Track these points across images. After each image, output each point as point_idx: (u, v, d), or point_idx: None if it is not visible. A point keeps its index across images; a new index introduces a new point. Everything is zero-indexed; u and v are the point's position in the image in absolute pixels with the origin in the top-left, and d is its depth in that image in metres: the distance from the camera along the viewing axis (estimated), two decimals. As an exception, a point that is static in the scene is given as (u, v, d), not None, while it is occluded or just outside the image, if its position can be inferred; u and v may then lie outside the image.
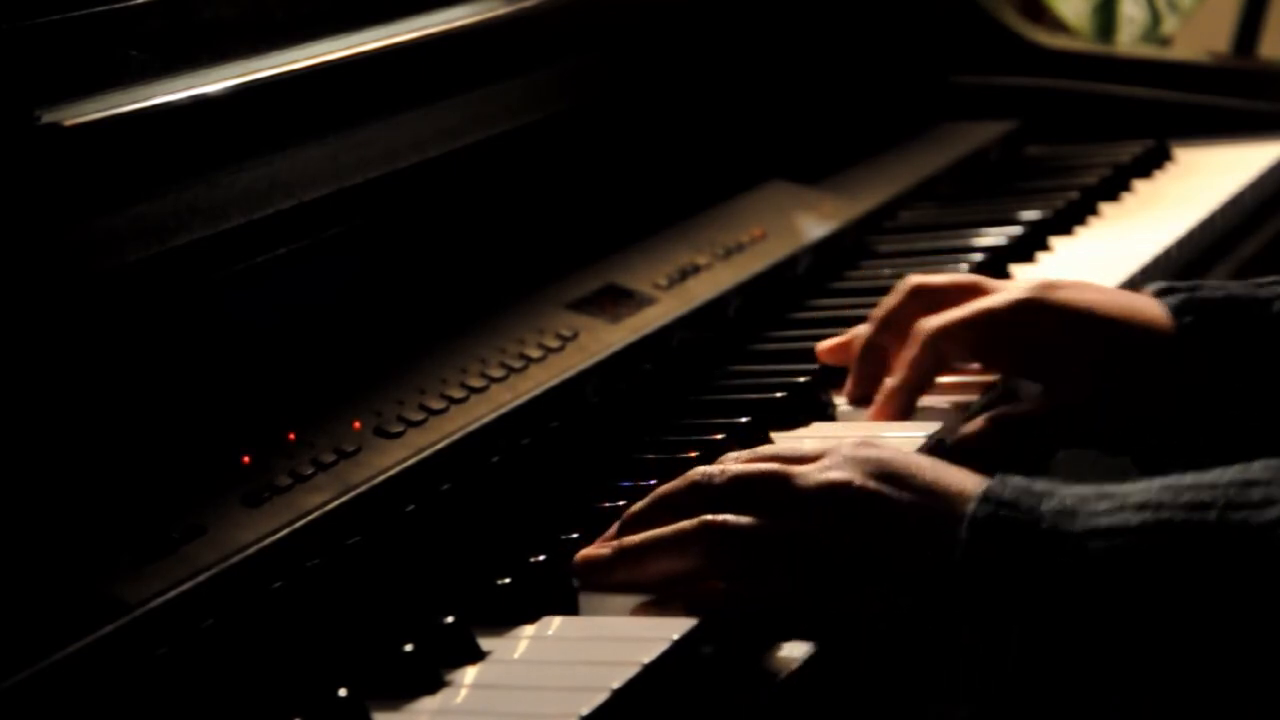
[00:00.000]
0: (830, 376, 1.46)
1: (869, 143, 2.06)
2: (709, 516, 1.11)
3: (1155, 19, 2.90)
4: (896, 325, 1.43)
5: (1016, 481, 1.10)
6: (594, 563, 1.14)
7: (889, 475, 1.11)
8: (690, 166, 1.82)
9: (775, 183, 1.87)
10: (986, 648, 1.07)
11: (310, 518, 1.17)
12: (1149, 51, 2.64)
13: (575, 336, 1.46)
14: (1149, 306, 1.38)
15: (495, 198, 1.58)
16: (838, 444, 1.14)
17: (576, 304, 1.52)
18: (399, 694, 1.02)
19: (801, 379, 1.43)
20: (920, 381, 1.40)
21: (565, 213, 1.65)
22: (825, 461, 1.13)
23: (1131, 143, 2.08)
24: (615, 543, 1.14)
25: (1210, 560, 1.04)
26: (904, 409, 1.40)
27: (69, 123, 1.19)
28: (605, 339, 1.47)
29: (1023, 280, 1.45)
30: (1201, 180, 1.99)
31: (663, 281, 1.59)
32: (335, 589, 1.16)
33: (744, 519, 1.11)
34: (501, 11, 1.57)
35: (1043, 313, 1.38)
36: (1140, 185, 2.00)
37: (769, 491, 1.12)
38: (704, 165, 1.84)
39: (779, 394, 1.41)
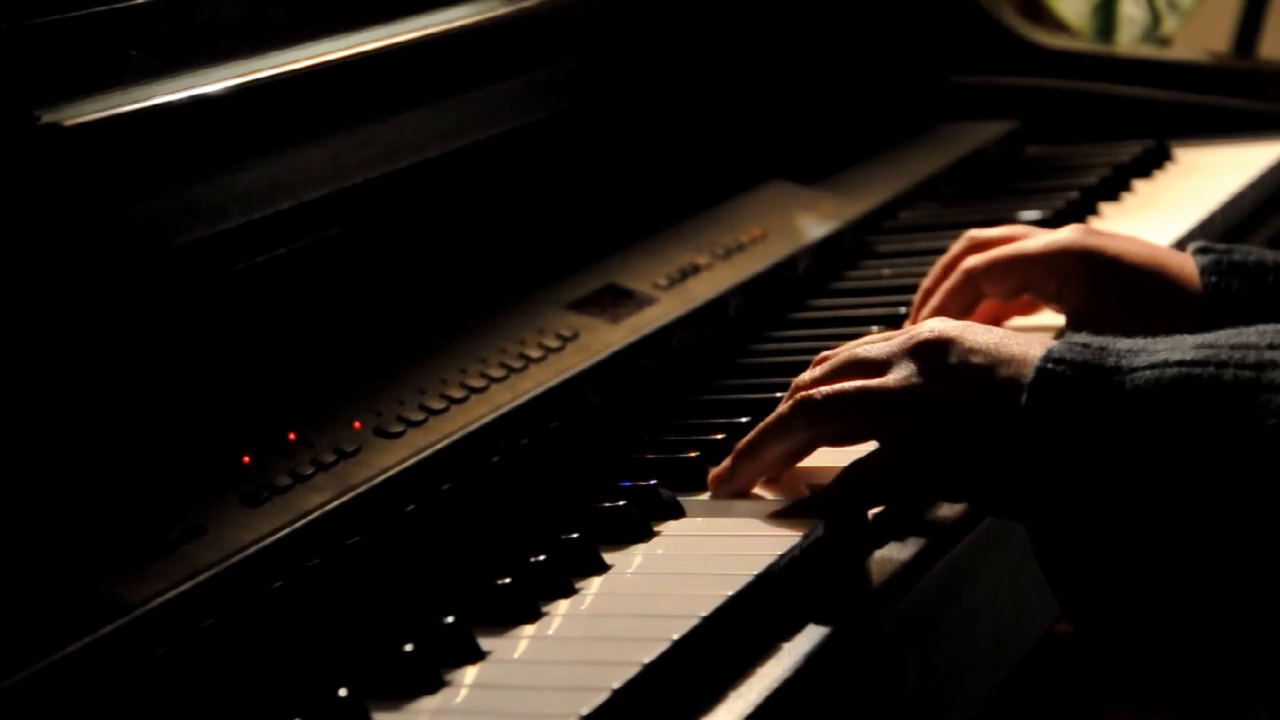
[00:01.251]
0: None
1: (869, 143, 2.06)
2: (805, 392, 1.21)
3: (1155, 19, 2.90)
4: (950, 269, 1.53)
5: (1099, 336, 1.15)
6: (720, 475, 1.25)
7: (968, 327, 1.19)
8: (690, 166, 1.83)
9: (775, 183, 1.87)
10: (1043, 473, 1.11)
11: (310, 518, 1.17)
12: (1149, 51, 2.64)
13: (575, 336, 1.46)
14: (1183, 263, 1.45)
15: (495, 198, 1.58)
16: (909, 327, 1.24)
17: (576, 304, 1.52)
18: (399, 694, 1.02)
19: (801, 379, 1.43)
20: (955, 311, 1.50)
21: (565, 213, 1.65)
22: (908, 331, 1.21)
23: (1131, 143, 2.08)
24: (741, 444, 1.25)
25: (1235, 396, 1.08)
26: None
27: (69, 123, 1.19)
28: (605, 339, 1.47)
29: (1067, 228, 1.52)
30: (1201, 180, 1.99)
31: (663, 281, 1.59)
32: (335, 589, 1.16)
33: (840, 383, 1.20)
34: (501, 11, 1.57)
35: (1077, 257, 1.47)
36: (1140, 185, 2.00)
37: (861, 363, 1.21)
38: (704, 165, 1.84)
39: (779, 394, 1.41)
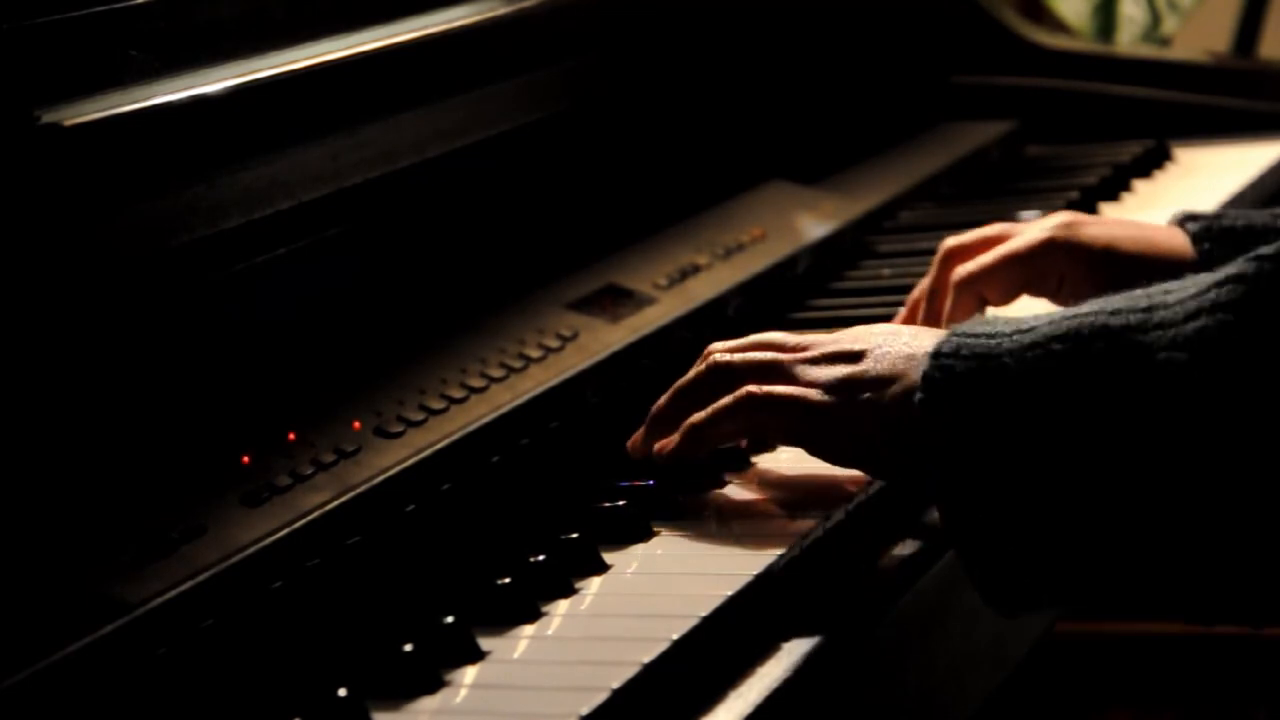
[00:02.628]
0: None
1: (869, 143, 2.06)
2: (750, 389, 1.22)
3: (1155, 19, 2.90)
4: (938, 287, 1.53)
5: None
6: (638, 439, 1.27)
7: (888, 327, 1.22)
8: (690, 166, 1.83)
9: (775, 183, 1.87)
10: (942, 454, 1.12)
11: (310, 518, 1.17)
12: (1149, 51, 2.65)
13: (575, 336, 1.46)
14: (1172, 237, 1.46)
15: (495, 198, 1.58)
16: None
17: (576, 304, 1.52)
18: (399, 694, 1.02)
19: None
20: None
21: (565, 213, 1.65)
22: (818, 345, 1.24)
23: (1131, 143, 2.08)
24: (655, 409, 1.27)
25: (1113, 361, 1.09)
26: None
27: (69, 123, 1.19)
28: (605, 339, 1.47)
29: (1047, 220, 1.52)
30: (1201, 180, 1.99)
31: (663, 281, 1.59)
32: (335, 589, 1.16)
33: (756, 352, 1.24)
34: (501, 11, 1.57)
35: (1065, 250, 1.47)
36: (1140, 185, 2.00)
37: (777, 342, 1.25)
38: (704, 165, 1.84)
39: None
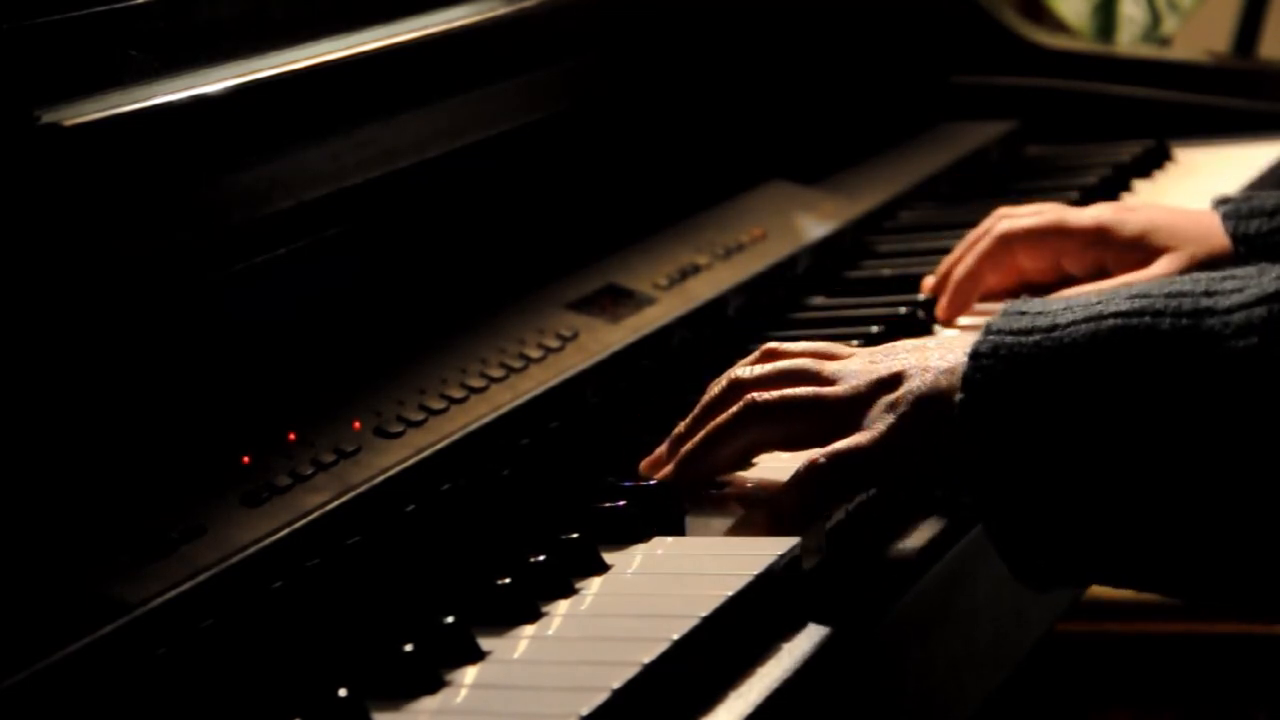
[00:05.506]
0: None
1: (869, 143, 2.06)
2: (754, 395, 1.20)
3: (1155, 19, 2.90)
4: (983, 233, 1.59)
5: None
6: (658, 457, 1.25)
7: (918, 346, 1.19)
8: (690, 166, 1.83)
9: (775, 183, 1.87)
10: (986, 454, 1.12)
11: (310, 518, 1.17)
12: (1149, 51, 2.64)
13: (575, 336, 1.46)
14: (1210, 221, 1.51)
15: (495, 198, 1.58)
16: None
17: (576, 304, 1.52)
18: (399, 694, 1.02)
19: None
20: (984, 273, 1.55)
21: (565, 213, 1.65)
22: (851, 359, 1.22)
23: (1131, 143, 2.08)
24: (687, 444, 1.23)
25: (1173, 344, 1.08)
26: (965, 299, 1.57)
27: (69, 123, 1.19)
28: (605, 339, 1.47)
29: (1101, 205, 1.60)
30: (1201, 180, 1.99)
31: (663, 281, 1.59)
32: (335, 589, 1.16)
33: (789, 389, 1.20)
34: (501, 11, 1.57)
35: (1115, 231, 1.53)
36: (1140, 185, 2.00)
37: (802, 373, 1.21)
38: (704, 165, 1.84)
39: (779, 394, 1.41)
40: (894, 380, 1.18)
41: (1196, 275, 1.12)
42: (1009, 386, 1.11)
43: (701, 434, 1.23)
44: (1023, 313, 1.14)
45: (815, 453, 1.18)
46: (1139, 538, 1.10)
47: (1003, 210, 1.61)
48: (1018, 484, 1.11)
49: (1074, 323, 1.11)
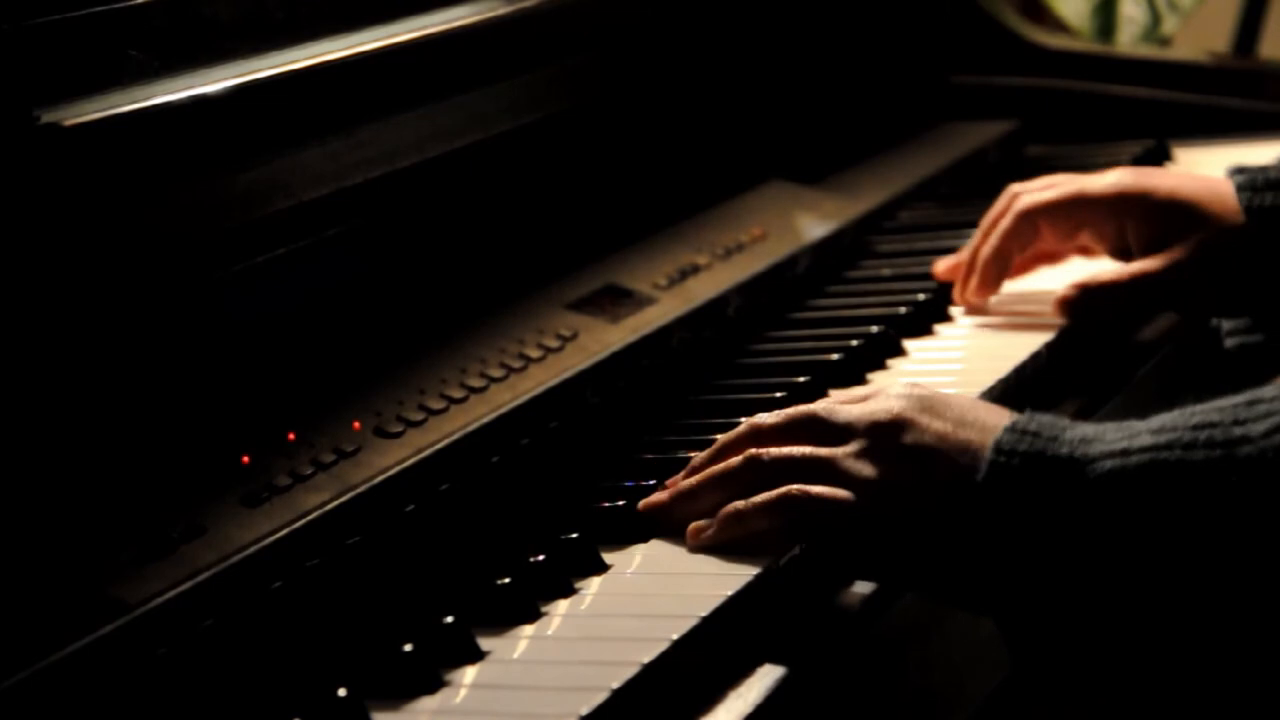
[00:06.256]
0: (829, 374, 1.46)
1: (869, 143, 2.06)
2: (756, 452, 1.18)
3: (1155, 19, 2.90)
4: (1003, 213, 1.59)
5: (1043, 416, 1.14)
6: (661, 505, 1.22)
7: (928, 408, 1.16)
8: (690, 166, 1.83)
9: (775, 183, 1.87)
10: (1005, 566, 1.11)
11: (310, 518, 1.17)
12: (1149, 51, 2.64)
13: (575, 336, 1.46)
14: (1227, 191, 1.52)
15: (495, 198, 1.58)
16: (882, 385, 1.24)
17: (576, 304, 1.52)
18: (399, 694, 1.02)
19: (801, 379, 1.43)
20: (1011, 251, 1.57)
21: (565, 213, 1.65)
22: (871, 400, 1.19)
23: (1131, 143, 2.08)
24: (686, 483, 1.21)
25: (1208, 475, 1.07)
26: (994, 278, 1.58)
27: (69, 123, 1.19)
28: (605, 339, 1.47)
29: (1119, 170, 1.60)
30: (1202, 180, 1.99)
31: (663, 281, 1.59)
32: (335, 589, 1.16)
33: (794, 447, 1.18)
34: (501, 11, 1.57)
35: (1137, 198, 1.54)
36: (1141, 185, 2.00)
37: (819, 424, 1.19)
38: (704, 165, 1.84)
39: (779, 394, 1.41)
40: (898, 426, 1.16)
41: (1221, 404, 1.10)
42: (1033, 498, 1.10)
43: (697, 478, 1.21)
44: (1036, 434, 1.12)
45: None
46: (1155, 640, 1.10)
47: (1015, 186, 1.61)
48: (1034, 578, 1.11)
49: (1101, 456, 1.10)
